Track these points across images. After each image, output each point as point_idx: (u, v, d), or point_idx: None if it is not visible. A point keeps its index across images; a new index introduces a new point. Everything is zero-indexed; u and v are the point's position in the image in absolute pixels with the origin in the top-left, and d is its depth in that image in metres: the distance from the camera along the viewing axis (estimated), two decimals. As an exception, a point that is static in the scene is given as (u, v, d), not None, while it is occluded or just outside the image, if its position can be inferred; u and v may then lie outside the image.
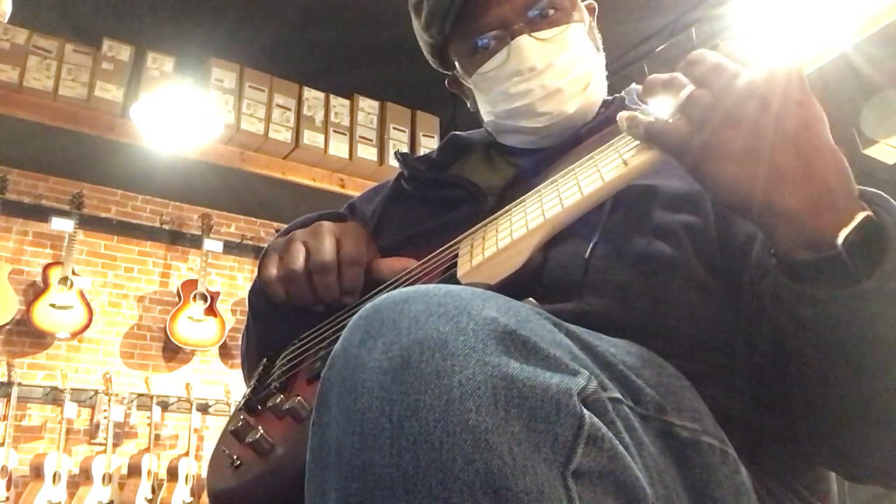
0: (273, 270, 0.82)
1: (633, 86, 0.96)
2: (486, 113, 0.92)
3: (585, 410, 0.45)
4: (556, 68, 0.85)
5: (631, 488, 0.46)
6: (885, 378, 0.57)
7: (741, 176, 0.55)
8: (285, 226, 0.92)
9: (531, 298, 0.64)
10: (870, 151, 3.60)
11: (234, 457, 0.66)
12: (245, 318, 0.98)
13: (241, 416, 0.70)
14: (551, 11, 0.87)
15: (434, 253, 0.80)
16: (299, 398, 0.64)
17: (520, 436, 0.42)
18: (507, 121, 0.89)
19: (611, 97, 0.94)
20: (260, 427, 0.65)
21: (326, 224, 0.83)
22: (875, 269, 0.54)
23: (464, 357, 0.44)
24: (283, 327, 0.87)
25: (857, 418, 0.61)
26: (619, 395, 0.51)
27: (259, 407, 0.74)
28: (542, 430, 0.43)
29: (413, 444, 0.41)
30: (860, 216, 0.54)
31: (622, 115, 0.63)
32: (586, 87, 0.88)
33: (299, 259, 0.80)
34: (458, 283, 0.70)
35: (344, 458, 0.44)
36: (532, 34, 0.85)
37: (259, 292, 0.88)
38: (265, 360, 0.89)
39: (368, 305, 0.49)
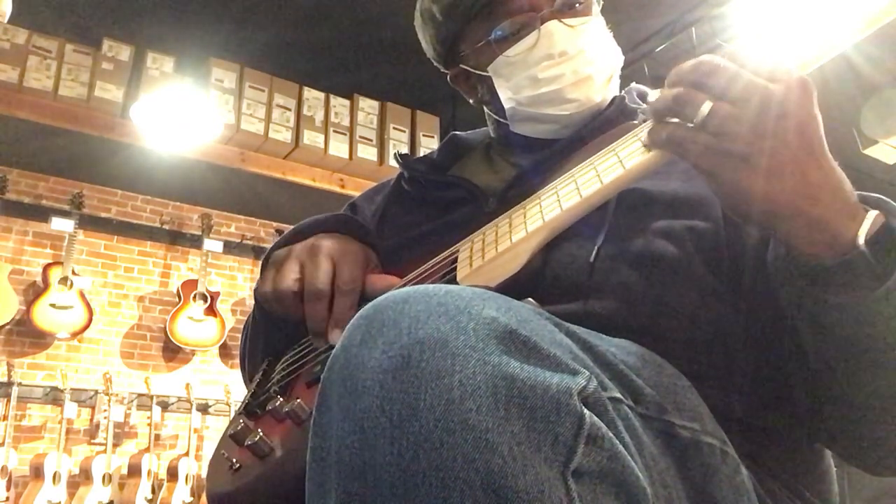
0: (269, 286, 0.80)
1: (633, 85, 0.96)
2: (506, 100, 0.90)
3: (586, 410, 0.45)
4: (586, 55, 0.86)
5: (631, 488, 0.46)
6: None
7: (769, 188, 0.56)
8: (285, 226, 0.91)
9: (531, 298, 0.64)
10: (870, 151, 3.60)
11: (234, 460, 0.66)
12: (244, 318, 0.97)
13: (241, 420, 0.70)
14: (578, 4, 0.87)
15: (436, 257, 0.80)
16: (299, 401, 0.64)
17: (520, 435, 0.42)
18: (530, 108, 0.88)
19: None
20: (259, 430, 0.65)
21: (326, 246, 0.79)
22: (894, 266, 0.55)
23: (464, 356, 0.43)
24: (285, 331, 0.87)
25: (880, 414, 0.63)
26: (619, 395, 0.51)
27: (258, 411, 0.74)
28: (543, 429, 0.43)
29: (413, 443, 0.41)
30: (871, 215, 0.57)
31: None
32: (610, 80, 0.89)
33: (292, 282, 0.77)
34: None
35: (344, 458, 0.44)
36: (562, 20, 0.86)
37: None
38: (265, 364, 0.89)
39: (369, 305, 0.49)
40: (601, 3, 0.92)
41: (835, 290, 0.57)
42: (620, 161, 0.66)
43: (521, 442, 0.42)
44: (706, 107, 0.57)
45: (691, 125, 0.58)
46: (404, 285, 0.78)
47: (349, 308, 0.76)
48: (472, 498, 0.40)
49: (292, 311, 0.78)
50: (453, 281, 0.72)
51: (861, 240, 0.55)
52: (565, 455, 0.43)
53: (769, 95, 0.55)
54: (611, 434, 0.46)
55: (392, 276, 0.80)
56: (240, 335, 1.04)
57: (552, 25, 0.85)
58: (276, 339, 0.90)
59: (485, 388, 0.42)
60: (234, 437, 0.67)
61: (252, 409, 0.75)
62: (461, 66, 0.94)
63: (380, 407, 0.43)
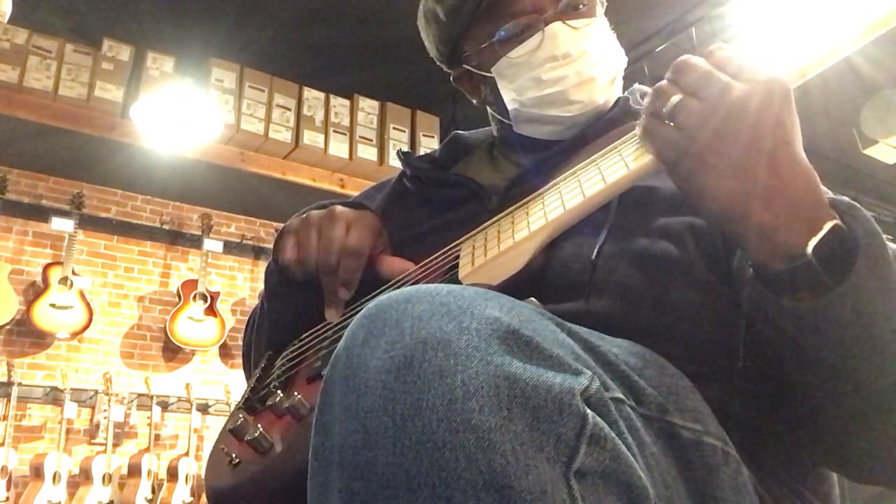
0: (289, 252, 0.83)
1: (636, 86, 0.96)
2: (510, 101, 0.90)
3: (588, 410, 0.45)
4: (590, 57, 0.86)
5: (633, 488, 0.46)
6: (864, 380, 0.59)
7: (720, 187, 0.57)
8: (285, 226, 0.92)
9: (533, 298, 0.64)
10: (870, 151, 3.59)
11: (233, 455, 0.66)
12: (245, 317, 0.98)
13: (241, 415, 0.70)
14: (582, 6, 0.87)
15: (436, 254, 0.80)
16: (299, 396, 0.64)
17: (523, 435, 0.42)
18: (534, 109, 0.88)
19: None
20: (259, 425, 0.65)
21: (340, 210, 0.84)
22: (846, 276, 0.55)
23: (467, 356, 0.43)
24: (297, 305, 0.87)
25: (843, 420, 0.62)
26: (621, 396, 0.51)
27: (258, 406, 0.74)
28: (545, 429, 0.43)
29: (416, 443, 0.41)
30: (828, 225, 0.56)
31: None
32: (613, 81, 0.89)
33: (311, 245, 0.82)
34: (459, 284, 0.70)
35: (346, 457, 0.44)
36: (566, 22, 0.86)
37: (274, 271, 0.89)
38: (265, 360, 0.89)
39: (371, 305, 0.49)
40: (605, 4, 0.92)
41: (786, 295, 0.57)
42: (624, 161, 0.66)
43: (523, 442, 0.42)
44: (675, 98, 0.58)
45: (660, 117, 0.59)
46: (405, 283, 0.78)
47: (352, 271, 0.81)
48: (475, 498, 0.40)
49: (312, 276, 0.83)
50: (455, 278, 0.72)
51: (809, 249, 0.55)
52: (568, 455, 0.43)
53: (740, 100, 0.56)
54: (613, 434, 0.46)
55: (406, 261, 0.81)
56: (240, 335, 1.04)
57: (556, 27, 0.85)
58: (282, 331, 0.90)
59: (487, 388, 0.42)
60: (233, 432, 0.67)
61: (252, 404, 0.75)
62: (464, 66, 0.94)
63: (382, 407, 0.43)
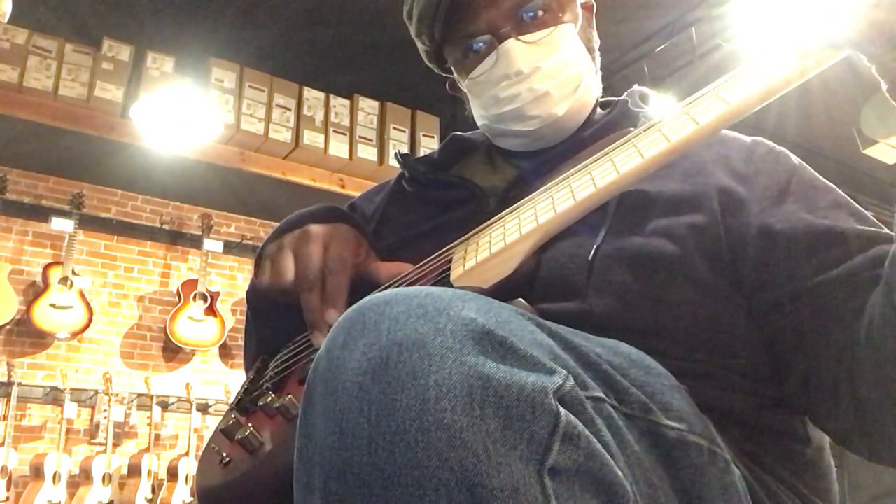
0: (266, 279, 0.82)
1: (636, 87, 0.96)
2: (479, 117, 0.92)
3: (562, 409, 0.45)
4: (543, 71, 0.85)
5: (610, 486, 0.46)
6: None
7: None
8: (285, 227, 0.91)
9: (521, 299, 0.64)
10: (870, 151, 3.59)
11: (224, 454, 0.67)
12: (244, 318, 0.98)
13: (233, 415, 0.70)
14: (540, 13, 0.86)
15: (429, 257, 0.80)
16: (290, 397, 0.64)
17: (495, 434, 0.42)
18: (499, 125, 0.89)
19: (611, 99, 0.94)
20: (250, 425, 0.65)
21: (315, 231, 0.81)
22: None
23: (440, 357, 0.44)
24: (281, 325, 0.87)
25: None
26: (601, 395, 0.51)
27: (250, 406, 0.74)
28: (518, 428, 0.43)
29: (389, 443, 0.42)
30: None
31: None
32: (577, 89, 0.87)
33: (288, 271, 0.79)
34: (451, 287, 0.70)
35: (326, 458, 0.44)
36: (520, 37, 0.85)
37: (253, 295, 0.89)
38: (260, 361, 0.89)
39: (352, 308, 0.50)
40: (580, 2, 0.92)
41: None
42: (615, 166, 0.67)
43: (496, 440, 0.42)
44: None
45: None
46: (399, 284, 0.78)
47: (340, 287, 0.77)
48: (448, 496, 0.40)
49: (294, 300, 0.79)
50: (447, 281, 0.72)
51: None
52: (541, 453, 0.43)
53: None
54: (588, 433, 0.46)
55: (403, 264, 0.81)
56: (240, 335, 1.05)
57: (509, 44, 0.85)
58: (269, 339, 0.90)
59: (460, 388, 0.43)
60: (224, 432, 0.68)
61: (244, 405, 0.75)
62: (452, 76, 0.96)
63: (358, 408, 0.43)
